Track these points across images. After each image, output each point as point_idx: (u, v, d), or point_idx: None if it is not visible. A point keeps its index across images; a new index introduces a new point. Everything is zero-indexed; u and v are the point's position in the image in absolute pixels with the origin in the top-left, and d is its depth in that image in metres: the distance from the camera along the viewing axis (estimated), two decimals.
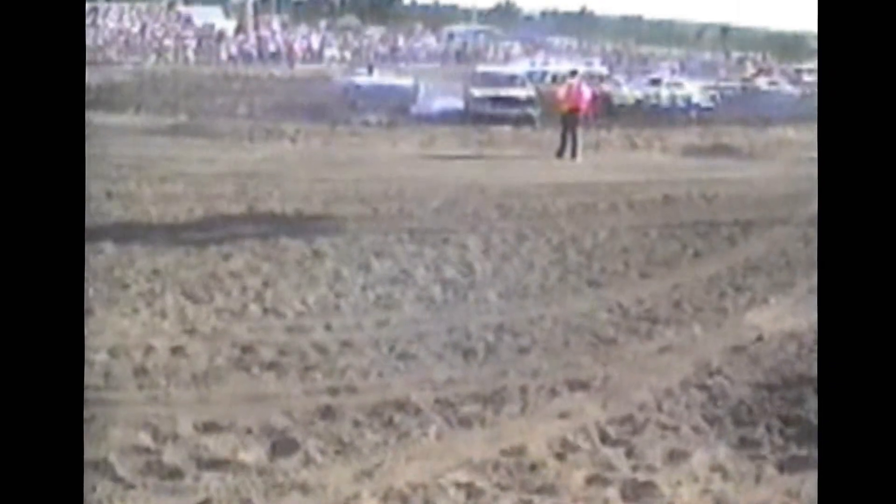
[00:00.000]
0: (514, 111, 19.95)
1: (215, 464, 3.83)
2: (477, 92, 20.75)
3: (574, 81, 16.07)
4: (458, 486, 3.70)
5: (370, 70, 25.27)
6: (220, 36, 42.37)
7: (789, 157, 15.60)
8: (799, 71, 34.13)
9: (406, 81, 23.72)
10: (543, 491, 3.71)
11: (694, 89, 24.61)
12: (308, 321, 5.90)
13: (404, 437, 4.17)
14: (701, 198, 11.31)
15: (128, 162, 12.02)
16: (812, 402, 4.52)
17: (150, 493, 3.59)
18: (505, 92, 20.69)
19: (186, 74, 30.87)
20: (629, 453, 4.09)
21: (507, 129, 18.57)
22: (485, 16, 62.81)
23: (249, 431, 4.14)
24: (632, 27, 68.18)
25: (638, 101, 23.18)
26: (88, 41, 33.77)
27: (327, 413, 4.38)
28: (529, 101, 20.55)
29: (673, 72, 33.90)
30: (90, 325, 5.33)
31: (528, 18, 66.60)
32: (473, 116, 19.91)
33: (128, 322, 5.69)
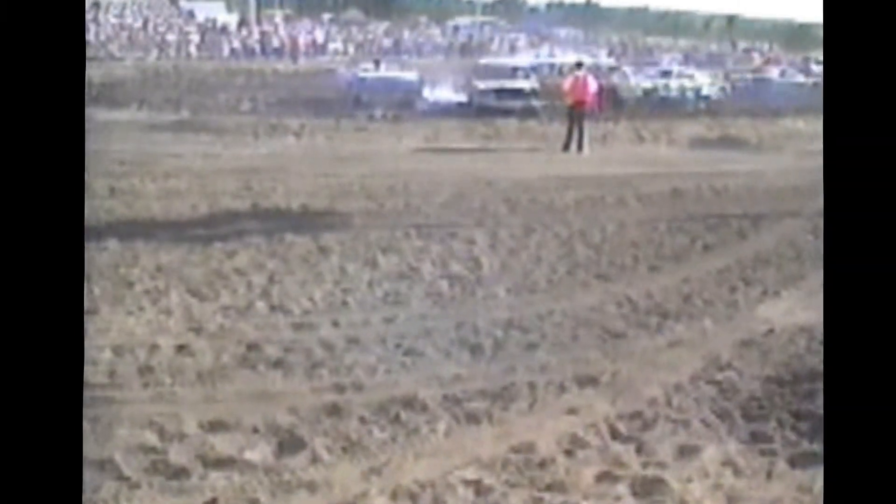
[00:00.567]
0: (518, 103, 19.86)
1: (221, 462, 3.79)
2: (481, 84, 20.68)
3: (580, 73, 15.93)
4: (467, 483, 3.65)
5: (377, 64, 25.03)
6: (223, 30, 42.41)
7: (799, 149, 15.47)
8: (807, 59, 33.96)
9: (410, 75, 23.65)
10: (553, 488, 3.66)
11: (704, 80, 24.43)
12: (314, 318, 5.85)
13: (412, 435, 4.12)
14: (710, 190, 11.25)
15: (131, 158, 11.99)
16: None
17: (156, 492, 3.55)
18: (509, 84, 20.62)
19: (189, 70, 30.84)
20: (639, 449, 4.04)
21: (512, 122, 18.47)
22: (489, 8, 62.66)
23: (256, 430, 4.10)
24: (638, 18, 68.05)
25: (646, 93, 23.02)
26: (90, 37, 33.90)
27: (334, 410, 4.33)
28: (533, 93, 20.47)
29: (680, 63, 33.75)
30: (95, 324, 5.31)
31: (533, 10, 66.30)
32: (478, 109, 19.83)
33: (132, 320, 5.65)
